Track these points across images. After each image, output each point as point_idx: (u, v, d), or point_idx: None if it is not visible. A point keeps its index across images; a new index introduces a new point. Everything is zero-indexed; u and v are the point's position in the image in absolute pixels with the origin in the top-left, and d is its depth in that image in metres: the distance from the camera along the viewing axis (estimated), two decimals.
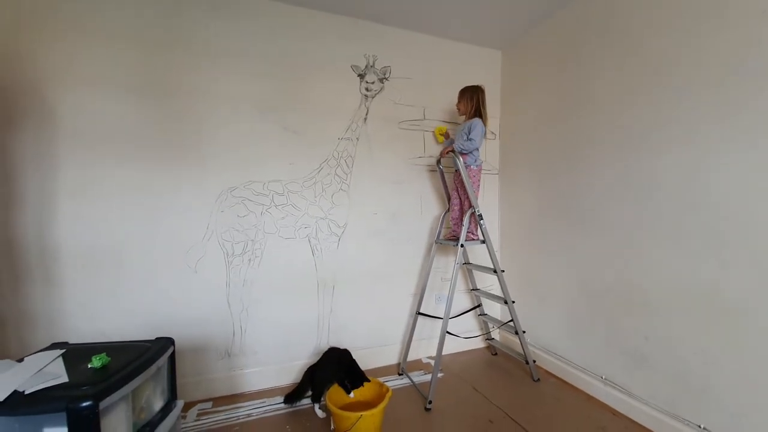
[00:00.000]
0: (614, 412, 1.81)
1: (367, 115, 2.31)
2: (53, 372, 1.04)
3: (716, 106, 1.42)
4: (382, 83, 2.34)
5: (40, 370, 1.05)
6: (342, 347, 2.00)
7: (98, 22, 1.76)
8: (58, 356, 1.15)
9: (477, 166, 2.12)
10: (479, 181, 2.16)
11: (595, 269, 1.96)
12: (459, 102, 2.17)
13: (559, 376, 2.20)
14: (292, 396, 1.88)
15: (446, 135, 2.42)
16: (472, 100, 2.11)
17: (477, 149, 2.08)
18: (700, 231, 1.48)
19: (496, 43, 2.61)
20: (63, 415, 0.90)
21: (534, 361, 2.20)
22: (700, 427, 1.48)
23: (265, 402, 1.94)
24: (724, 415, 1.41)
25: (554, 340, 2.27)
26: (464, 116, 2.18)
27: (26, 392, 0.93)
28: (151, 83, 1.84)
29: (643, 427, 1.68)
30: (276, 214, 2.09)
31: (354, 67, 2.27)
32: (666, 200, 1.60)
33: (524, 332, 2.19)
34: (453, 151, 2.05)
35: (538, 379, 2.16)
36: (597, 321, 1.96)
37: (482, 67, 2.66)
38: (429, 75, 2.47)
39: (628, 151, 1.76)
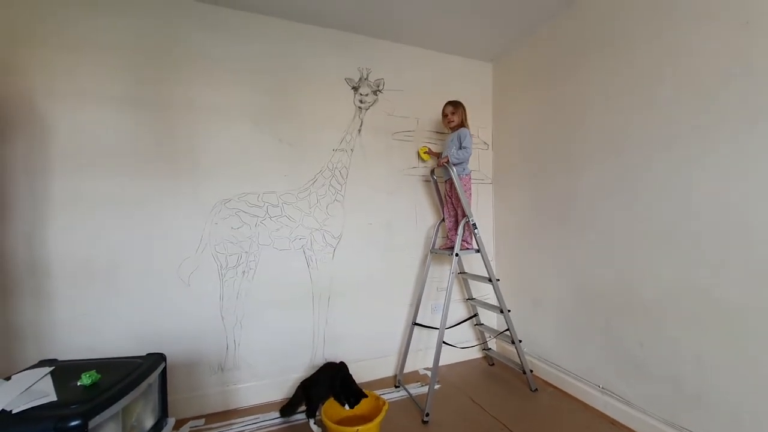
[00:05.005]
0: (613, 422, 1.80)
1: (361, 126, 2.33)
2: (41, 390, 1.02)
3: (703, 113, 1.45)
4: (376, 95, 2.37)
5: (28, 388, 1.03)
6: (338, 360, 1.97)
7: (91, 34, 1.77)
8: (47, 374, 1.12)
9: (466, 174, 2.17)
10: (470, 189, 2.20)
11: (589, 276, 1.97)
12: (453, 113, 2.20)
13: (557, 385, 2.18)
14: (287, 409, 1.86)
15: (429, 151, 2.44)
16: (460, 112, 2.20)
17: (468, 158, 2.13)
18: (693, 236, 1.49)
19: (486, 55, 2.67)
20: None
21: (531, 371, 2.18)
22: None
23: (258, 418, 1.90)
24: (721, 422, 1.41)
25: (551, 349, 2.26)
26: (451, 128, 2.23)
27: (14, 411, 0.91)
28: (144, 95, 1.85)
29: None
30: (270, 226, 2.09)
31: (348, 80, 2.30)
32: (659, 206, 1.62)
33: (521, 341, 2.19)
34: (448, 162, 2.08)
35: (536, 389, 2.15)
36: (592, 328, 1.96)
37: (473, 79, 2.71)
38: (421, 87, 2.51)
39: (619, 157, 1.79)
